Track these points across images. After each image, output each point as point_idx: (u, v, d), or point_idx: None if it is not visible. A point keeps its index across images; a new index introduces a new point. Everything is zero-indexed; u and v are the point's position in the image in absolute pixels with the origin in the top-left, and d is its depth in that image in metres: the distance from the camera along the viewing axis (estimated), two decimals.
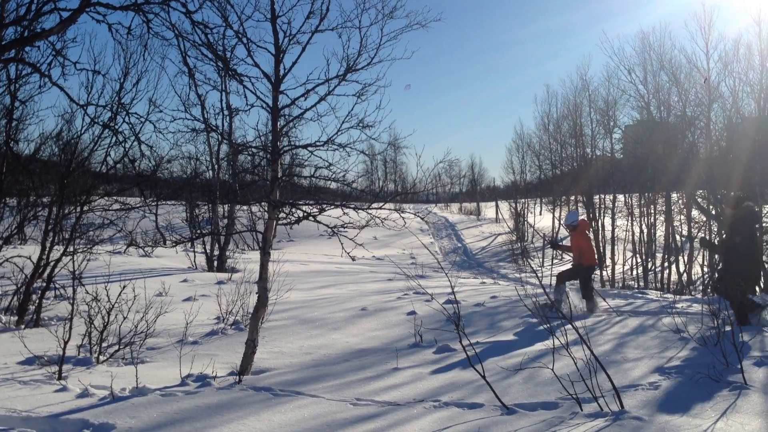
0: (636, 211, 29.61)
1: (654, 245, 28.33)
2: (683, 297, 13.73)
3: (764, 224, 9.89)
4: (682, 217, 26.59)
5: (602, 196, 32.33)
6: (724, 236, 8.90)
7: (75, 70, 6.29)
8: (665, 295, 13.92)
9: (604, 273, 28.12)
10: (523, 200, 48.69)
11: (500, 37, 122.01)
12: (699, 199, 22.01)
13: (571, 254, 10.76)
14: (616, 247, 29.72)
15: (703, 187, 21.14)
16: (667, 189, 25.61)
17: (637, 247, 28.80)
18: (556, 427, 4.42)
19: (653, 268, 27.16)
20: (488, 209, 57.77)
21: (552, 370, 5.15)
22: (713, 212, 20.27)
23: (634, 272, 28.88)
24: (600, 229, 30.28)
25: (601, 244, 29.72)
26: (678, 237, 26.72)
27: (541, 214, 49.56)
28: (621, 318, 9.12)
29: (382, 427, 4.56)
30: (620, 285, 25.92)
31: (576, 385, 4.99)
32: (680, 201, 26.08)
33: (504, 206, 50.15)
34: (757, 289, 8.79)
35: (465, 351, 5.35)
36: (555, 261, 30.72)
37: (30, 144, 20.97)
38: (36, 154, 11.30)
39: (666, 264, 26.09)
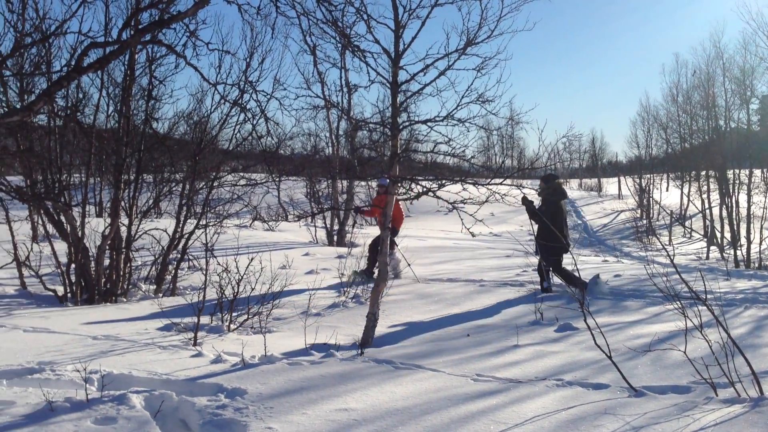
0: None
1: None
2: None
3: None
4: None
5: (737, 170, 30.27)
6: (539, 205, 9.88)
7: (207, 50, 6.59)
8: None
9: (739, 252, 26.45)
10: (649, 176, 46.46)
11: (627, 3, 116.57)
12: None
13: (375, 219, 11.15)
14: (752, 225, 27.77)
15: None
16: None
17: None
18: (689, 411, 4.22)
19: None
20: (610, 185, 55.71)
21: (684, 352, 4.92)
22: None
23: None
24: (734, 206, 28.43)
25: (735, 222, 27.92)
26: None
27: (668, 190, 47.22)
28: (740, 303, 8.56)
29: (504, 403, 4.52)
30: (757, 265, 24.25)
31: (710, 369, 4.75)
32: None
33: (628, 182, 48.10)
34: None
35: (590, 329, 5.21)
36: (684, 239, 29.23)
37: (165, 123, 22.27)
38: (170, 132, 11.94)
39: None
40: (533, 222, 9.77)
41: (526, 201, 9.63)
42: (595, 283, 9.40)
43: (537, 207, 9.74)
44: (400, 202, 11.08)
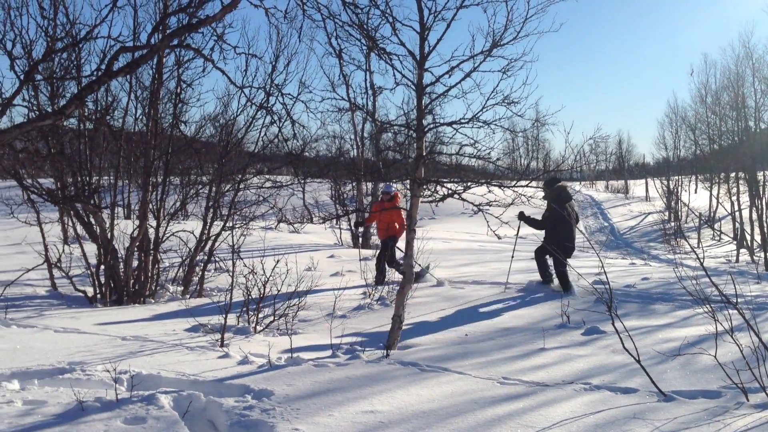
0: None
1: None
2: None
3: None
4: None
5: (767, 172, 29.77)
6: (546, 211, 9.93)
7: (235, 54, 6.66)
8: None
9: None
10: (677, 177, 45.87)
11: (653, 3, 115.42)
12: None
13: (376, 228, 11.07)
14: None
15: None
16: None
17: None
18: (720, 417, 4.16)
19: None
20: (637, 187, 55.10)
21: (714, 356, 4.85)
22: None
23: None
24: (764, 208, 27.97)
25: (765, 224, 27.47)
26: None
27: (696, 192, 46.60)
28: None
29: (531, 407, 4.50)
30: None
31: (741, 374, 4.68)
32: None
33: (655, 184, 47.52)
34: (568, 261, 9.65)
35: (618, 333, 5.16)
36: (713, 242, 28.80)
37: (192, 126, 22.47)
38: (197, 135, 12.05)
39: None
40: (533, 228, 9.91)
41: (522, 216, 9.67)
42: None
43: (543, 213, 9.84)
44: (402, 212, 10.96)
